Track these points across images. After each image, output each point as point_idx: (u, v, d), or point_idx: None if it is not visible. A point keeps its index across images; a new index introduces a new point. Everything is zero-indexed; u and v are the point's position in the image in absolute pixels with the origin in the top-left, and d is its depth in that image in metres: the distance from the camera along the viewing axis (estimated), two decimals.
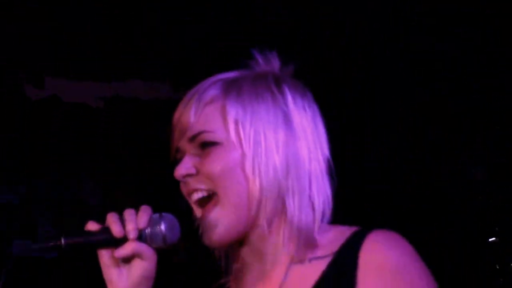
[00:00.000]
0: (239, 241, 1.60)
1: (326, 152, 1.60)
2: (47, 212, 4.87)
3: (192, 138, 1.56)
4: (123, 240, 1.50)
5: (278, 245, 1.58)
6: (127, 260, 1.53)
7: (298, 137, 1.55)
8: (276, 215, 1.56)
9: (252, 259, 1.60)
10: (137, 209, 1.56)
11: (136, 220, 1.51)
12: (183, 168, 1.56)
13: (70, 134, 5.00)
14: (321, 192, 1.56)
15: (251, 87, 1.57)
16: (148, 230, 1.52)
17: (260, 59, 1.63)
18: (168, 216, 1.58)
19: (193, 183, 1.56)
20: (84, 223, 1.66)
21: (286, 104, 1.56)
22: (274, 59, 1.64)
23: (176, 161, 1.62)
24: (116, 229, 1.49)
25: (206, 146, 1.55)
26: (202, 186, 1.56)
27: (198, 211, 1.58)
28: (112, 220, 1.51)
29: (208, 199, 1.55)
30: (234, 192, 1.54)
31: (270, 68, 1.62)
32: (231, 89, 1.57)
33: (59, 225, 4.87)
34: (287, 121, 1.54)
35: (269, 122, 1.54)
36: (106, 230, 1.51)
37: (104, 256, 1.53)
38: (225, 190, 1.53)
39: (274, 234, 1.59)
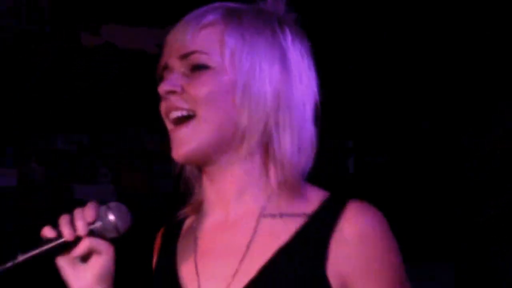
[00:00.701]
0: (206, 171, 1.59)
1: (317, 99, 1.62)
2: (108, 161, 5.18)
3: (184, 56, 1.55)
4: (77, 240, 1.54)
5: (247, 188, 1.58)
6: (85, 258, 1.56)
7: (293, 77, 1.58)
8: (261, 149, 1.55)
9: (215, 199, 1.60)
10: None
11: (83, 216, 1.54)
12: (169, 84, 1.54)
13: (127, 81, 5.26)
14: (309, 137, 1.57)
15: (254, 20, 1.59)
16: (98, 224, 1.57)
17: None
18: (115, 204, 1.60)
19: (175, 100, 1.54)
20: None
21: (286, 43, 1.59)
22: (282, 2, 1.64)
23: (161, 79, 1.60)
24: (66, 232, 1.52)
25: (198, 68, 1.54)
26: (185, 106, 1.53)
27: (171, 127, 1.57)
28: (62, 223, 1.52)
29: (187, 119, 1.53)
30: (217, 116, 1.53)
31: (275, 9, 1.63)
32: (232, 17, 1.58)
33: (119, 174, 5.17)
34: (284, 60, 1.58)
35: (266, 56, 1.56)
36: (59, 235, 1.54)
37: (60, 259, 1.57)
38: (207, 112, 1.52)
39: (251, 172, 1.58)
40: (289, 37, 1.56)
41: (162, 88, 1.51)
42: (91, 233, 1.53)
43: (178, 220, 1.67)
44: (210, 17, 1.54)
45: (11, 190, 3.69)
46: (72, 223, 1.50)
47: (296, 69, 1.56)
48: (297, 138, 1.53)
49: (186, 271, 1.59)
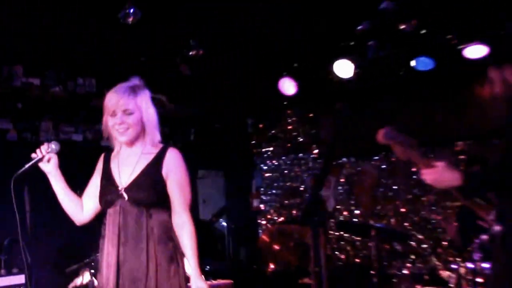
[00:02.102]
0: (129, 144, 3.13)
1: None
2: None
3: (125, 110, 3.10)
4: (43, 156, 3.07)
5: (139, 147, 3.15)
6: (48, 160, 3.10)
7: (156, 113, 3.18)
8: (151, 137, 3.16)
9: (128, 150, 3.18)
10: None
11: (44, 148, 3.06)
12: (121, 119, 3.08)
13: None
14: (159, 131, 3.18)
15: (142, 91, 3.15)
16: (49, 149, 3.06)
17: (137, 79, 3.20)
18: (53, 141, 3.07)
19: (120, 125, 3.08)
20: None
21: (150, 101, 3.12)
22: (142, 81, 3.20)
23: (112, 116, 3.09)
24: (39, 154, 3.04)
25: (128, 113, 3.11)
26: (124, 126, 3.10)
27: (116, 135, 3.13)
28: (37, 152, 3.05)
29: (125, 130, 3.08)
30: (136, 128, 3.11)
31: (140, 83, 3.19)
32: (135, 92, 3.12)
33: None
34: (152, 106, 3.17)
35: (150, 106, 3.14)
36: (38, 156, 3.06)
37: (41, 164, 3.07)
38: (132, 127, 3.10)
39: (144, 143, 3.16)
40: (150, 98, 3.17)
41: (120, 120, 3.09)
42: (48, 153, 3.09)
43: (110, 153, 3.25)
44: (132, 94, 3.11)
45: None
46: (40, 151, 3.07)
47: (156, 110, 3.17)
48: (157, 132, 3.18)
49: (115, 170, 3.18)
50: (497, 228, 2.90)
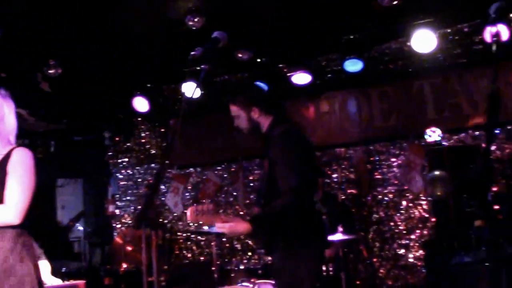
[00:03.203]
0: None
1: None
2: None
3: None
4: None
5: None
6: None
7: (16, 123, 3.16)
8: (4, 141, 3.07)
9: None
10: None
11: None
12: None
13: None
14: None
15: (9, 100, 3.09)
16: None
17: (3, 89, 3.14)
18: None
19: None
20: None
21: (14, 111, 3.13)
22: (5, 90, 3.17)
23: None
24: None
25: None
26: None
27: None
28: None
29: None
30: None
31: (7, 93, 3.13)
32: (5, 99, 3.08)
33: None
34: (13, 116, 3.11)
35: (12, 115, 3.10)
36: None
37: None
38: None
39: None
40: (13, 105, 3.19)
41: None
42: None
43: None
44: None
45: None
46: None
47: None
48: (12, 138, 3.11)
49: None
50: None
